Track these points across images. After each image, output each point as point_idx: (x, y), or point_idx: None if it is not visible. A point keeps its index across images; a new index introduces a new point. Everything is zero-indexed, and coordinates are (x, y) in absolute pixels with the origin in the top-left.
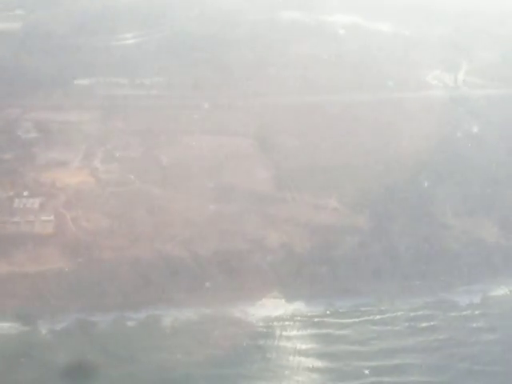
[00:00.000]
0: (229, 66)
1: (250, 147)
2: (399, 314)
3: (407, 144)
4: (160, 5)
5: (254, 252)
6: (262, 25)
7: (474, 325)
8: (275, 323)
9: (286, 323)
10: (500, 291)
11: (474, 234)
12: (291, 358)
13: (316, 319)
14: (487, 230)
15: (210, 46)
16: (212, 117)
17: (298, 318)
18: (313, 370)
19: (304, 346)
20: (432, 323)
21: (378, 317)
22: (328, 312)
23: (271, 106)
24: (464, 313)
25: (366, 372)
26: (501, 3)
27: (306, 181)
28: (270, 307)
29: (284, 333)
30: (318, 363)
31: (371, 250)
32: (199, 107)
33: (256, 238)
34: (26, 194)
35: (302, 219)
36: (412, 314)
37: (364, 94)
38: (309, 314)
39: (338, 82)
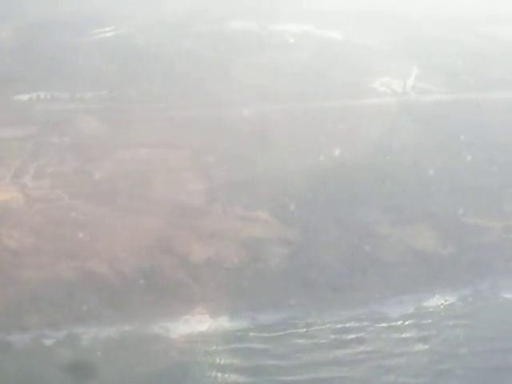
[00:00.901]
0: (173, 78)
1: (187, 160)
2: (326, 326)
3: (344, 153)
4: (105, 17)
5: (179, 267)
6: (211, 36)
7: (404, 335)
8: (197, 339)
9: (209, 339)
10: (434, 301)
11: (410, 243)
12: (212, 373)
13: (240, 334)
14: (424, 238)
15: (156, 59)
16: (151, 130)
17: (222, 333)
18: None
19: (226, 361)
20: (360, 335)
21: (303, 330)
22: (253, 326)
23: (213, 117)
24: (394, 324)
25: None
26: (453, 10)
27: (240, 193)
28: (193, 323)
29: (206, 348)
30: (240, 378)
31: (300, 262)
32: (138, 120)
33: (182, 253)
34: None
35: (231, 232)
36: (340, 326)
37: (306, 104)
38: (233, 329)
39: (281, 91)
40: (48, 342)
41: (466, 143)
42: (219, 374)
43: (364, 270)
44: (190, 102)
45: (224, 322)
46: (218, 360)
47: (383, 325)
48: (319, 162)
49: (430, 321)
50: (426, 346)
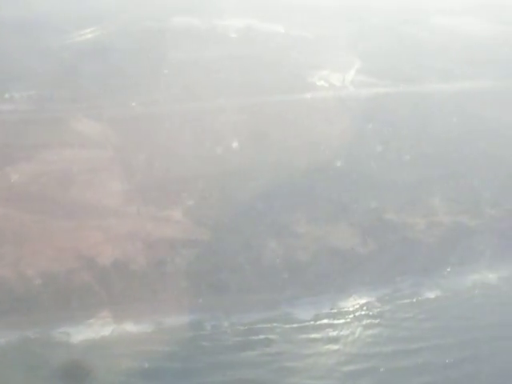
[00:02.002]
0: (110, 77)
1: (109, 160)
2: (233, 328)
3: (268, 149)
4: (40, 19)
5: (85, 271)
6: (153, 33)
7: (314, 336)
8: (99, 344)
9: (112, 343)
10: (351, 301)
11: (328, 241)
12: (111, 378)
13: (143, 337)
14: (343, 237)
15: (94, 57)
16: (76, 130)
17: (126, 337)
18: None
19: (127, 366)
20: (267, 336)
21: (208, 332)
22: (158, 329)
23: (142, 116)
24: (305, 325)
25: None
26: (410, 2)
27: (158, 193)
28: (97, 328)
29: (107, 352)
30: (139, 383)
31: (210, 263)
32: (64, 120)
33: (89, 255)
34: None
35: (142, 234)
36: (247, 328)
37: (240, 99)
38: (137, 332)
39: (217, 87)
40: None
41: (393, 138)
42: (119, 378)
43: (277, 270)
44: (120, 101)
45: (128, 326)
46: (118, 364)
47: (293, 326)
48: (238, 160)
49: (342, 321)
50: (336, 347)
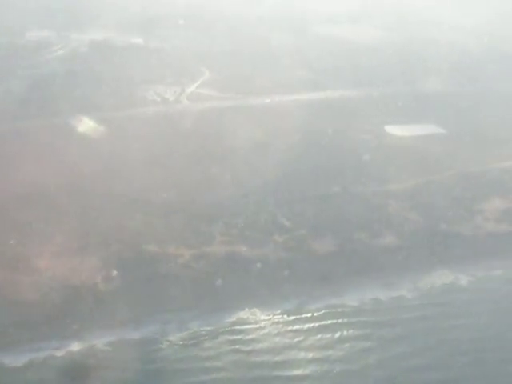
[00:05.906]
0: None
1: None
2: None
3: (60, 174)
4: None
5: None
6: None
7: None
8: None
9: None
10: (75, 345)
11: (68, 277)
12: None
13: None
14: (87, 272)
15: None
16: None
17: None
18: None
19: None
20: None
21: None
22: None
23: None
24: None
25: None
26: (283, 12)
27: None
28: None
29: None
30: None
31: None
32: None
33: None
34: None
35: None
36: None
37: (51, 119)
38: None
39: (40, 106)
40: None
41: (201, 158)
42: None
43: None
44: None
45: None
46: None
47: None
48: (20, 187)
49: (56, 366)
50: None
